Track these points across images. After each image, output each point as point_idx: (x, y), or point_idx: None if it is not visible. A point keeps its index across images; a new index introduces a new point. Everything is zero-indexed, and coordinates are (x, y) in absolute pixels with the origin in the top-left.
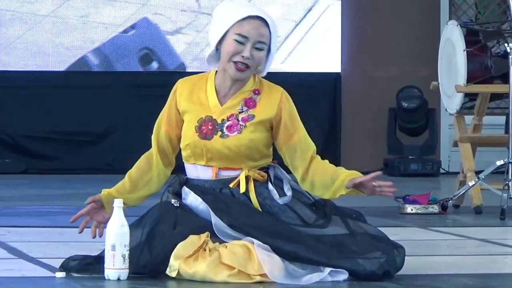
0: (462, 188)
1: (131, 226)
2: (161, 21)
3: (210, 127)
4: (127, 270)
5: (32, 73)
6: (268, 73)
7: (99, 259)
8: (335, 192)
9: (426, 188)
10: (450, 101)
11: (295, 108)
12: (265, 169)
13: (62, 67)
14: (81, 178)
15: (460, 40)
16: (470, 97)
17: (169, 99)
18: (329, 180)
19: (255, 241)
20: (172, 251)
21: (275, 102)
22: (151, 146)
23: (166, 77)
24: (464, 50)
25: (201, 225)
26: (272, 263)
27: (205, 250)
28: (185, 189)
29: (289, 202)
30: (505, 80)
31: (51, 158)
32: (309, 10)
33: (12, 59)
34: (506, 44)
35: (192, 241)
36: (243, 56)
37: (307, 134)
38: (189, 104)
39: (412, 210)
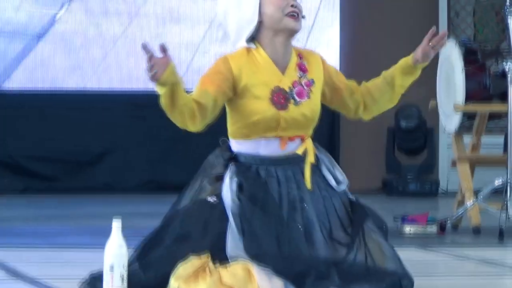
0: (461, 208)
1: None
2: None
3: (282, 97)
4: None
5: (31, 93)
6: None
7: (97, 279)
8: (406, 80)
9: (425, 208)
10: (449, 121)
11: None
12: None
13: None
14: (79, 198)
15: (459, 59)
16: (469, 116)
17: (218, 70)
18: (385, 86)
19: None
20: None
21: (319, 64)
22: (149, 166)
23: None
24: (462, 69)
25: (214, 243)
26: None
27: (205, 271)
28: (232, 173)
29: (332, 198)
30: (504, 99)
31: (49, 178)
32: (309, 31)
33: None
34: (504, 63)
35: (192, 263)
36: (292, 5)
37: None
38: (253, 78)
39: (410, 230)
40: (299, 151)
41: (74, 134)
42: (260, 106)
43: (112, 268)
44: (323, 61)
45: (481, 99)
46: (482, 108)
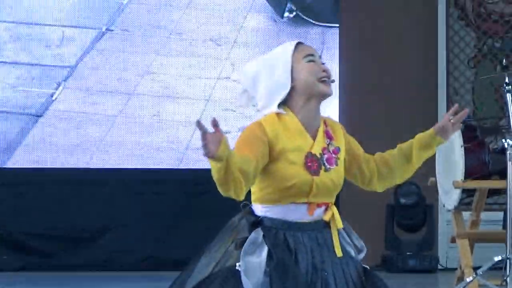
0: (460, 284)
1: None
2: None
3: (315, 162)
4: None
5: (29, 169)
6: None
7: None
8: (419, 157)
9: (424, 284)
10: (448, 197)
11: None
12: None
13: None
14: (78, 275)
15: (458, 136)
16: (468, 193)
17: (254, 135)
18: (401, 158)
19: None
20: None
21: (341, 132)
22: (147, 243)
23: (165, 173)
24: (461, 146)
25: None
26: None
27: None
28: (257, 236)
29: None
30: (503, 176)
31: (48, 255)
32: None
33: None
34: (503, 140)
35: None
36: (324, 71)
37: None
38: (288, 143)
39: None
40: (326, 217)
41: (73, 211)
42: (296, 171)
43: None
44: (343, 130)
45: (481, 176)
46: (482, 185)
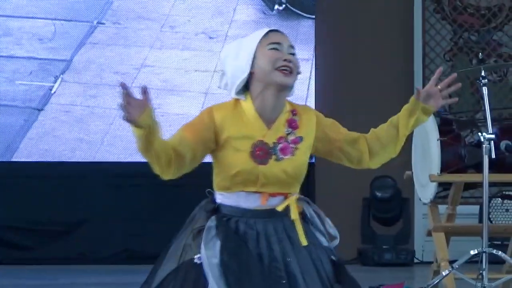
0: (436, 278)
1: None
2: None
3: (263, 151)
4: None
5: (5, 164)
6: None
7: None
8: (405, 126)
9: (400, 277)
10: (424, 191)
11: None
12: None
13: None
14: (55, 268)
15: (434, 130)
16: (444, 186)
17: (200, 120)
18: (390, 129)
19: None
20: None
21: (312, 120)
22: (124, 236)
23: (142, 166)
24: (438, 140)
25: None
26: None
27: None
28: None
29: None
30: (479, 169)
31: (25, 248)
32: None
33: None
34: (479, 134)
35: None
36: (285, 60)
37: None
38: (237, 130)
39: None
40: (279, 208)
41: (49, 205)
42: (239, 159)
43: None
44: (318, 117)
45: (457, 169)
46: (458, 178)
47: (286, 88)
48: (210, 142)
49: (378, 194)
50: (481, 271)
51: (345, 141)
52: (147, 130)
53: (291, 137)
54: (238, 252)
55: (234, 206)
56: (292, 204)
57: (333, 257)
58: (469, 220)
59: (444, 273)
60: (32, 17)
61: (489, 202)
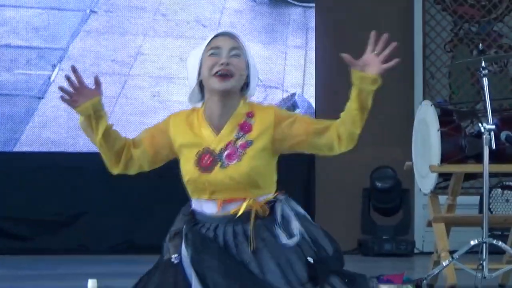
0: (436, 268)
1: None
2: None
3: (209, 159)
4: None
5: (3, 155)
6: None
7: None
8: (353, 99)
9: (400, 268)
10: (424, 181)
11: (289, 112)
12: (272, 202)
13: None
14: (54, 259)
15: (434, 120)
16: (444, 177)
17: (158, 127)
18: (347, 106)
19: None
20: None
21: (270, 120)
22: (123, 227)
23: None
24: (438, 130)
25: None
26: None
27: None
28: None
29: (290, 259)
30: (479, 160)
31: (24, 239)
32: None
33: None
34: (480, 124)
35: None
36: (222, 64)
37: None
38: (186, 138)
39: None
40: (232, 212)
41: (49, 195)
42: (187, 168)
43: None
44: (278, 116)
45: (457, 160)
46: (458, 169)
47: (228, 94)
48: (166, 149)
49: (378, 184)
50: (481, 262)
51: (313, 134)
52: (88, 120)
53: (240, 142)
54: (202, 260)
55: (199, 212)
56: (243, 209)
57: (309, 258)
58: (469, 211)
59: (444, 264)
60: (26, 7)
61: (489, 192)
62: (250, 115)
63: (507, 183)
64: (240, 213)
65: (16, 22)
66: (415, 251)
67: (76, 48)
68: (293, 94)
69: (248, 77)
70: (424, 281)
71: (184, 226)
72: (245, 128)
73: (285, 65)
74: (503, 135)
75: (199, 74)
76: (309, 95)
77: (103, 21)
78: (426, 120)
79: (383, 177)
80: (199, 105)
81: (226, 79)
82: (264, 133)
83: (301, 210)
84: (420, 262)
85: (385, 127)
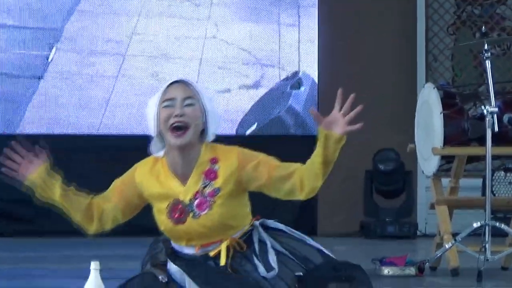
0: (439, 250)
1: None
2: None
3: (180, 210)
4: None
5: (8, 135)
6: (239, 137)
7: None
8: (318, 154)
9: (403, 250)
10: (427, 164)
11: (253, 152)
12: (249, 231)
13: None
14: (57, 240)
15: (437, 103)
16: (447, 159)
17: (125, 180)
18: (312, 158)
19: None
20: None
21: (234, 167)
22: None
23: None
24: (441, 113)
25: None
26: None
27: None
28: (169, 260)
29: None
30: (482, 143)
31: (26, 221)
32: (286, 78)
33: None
34: (482, 107)
35: None
36: (176, 115)
37: (280, 162)
38: (154, 190)
39: (389, 272)
40: (212, 254)
41: None
42: (160, 219)
43: None
44: (241, 159)
45: (460, 143)
46: (460, 151)
47: (187, 146)
48: (136, 198)
49: (381, 167)
50: (484, 244)
51: (276, 179)
52: (38, 189)
53: (208, 190)
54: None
55: (178, 251)
56: (223, 252)
57: (297, 274)
58: (472, 193)
59: (447, 246)
60: None
61: (492, 175)
62: (213, 161)
63: (509, 166)
64: (221, 255)
65: (9, 2)
66: (418, 233)
67: (71, 28)
68: (297, 72)
69: (205, 123)
70: (427, 263)
71: (168, 257)
72: (210, 175)
73: (280, 43)
74: (505, 117)
75: (158, 125)
76: (310, 72)
77: (95, 1)
78: (429, 103)
79: (385, 159)
80: (162, 153)
81: (181, 135)
82: (229, 178)
83: (280, 226)
84: (423, 245)
85: (388, 110)
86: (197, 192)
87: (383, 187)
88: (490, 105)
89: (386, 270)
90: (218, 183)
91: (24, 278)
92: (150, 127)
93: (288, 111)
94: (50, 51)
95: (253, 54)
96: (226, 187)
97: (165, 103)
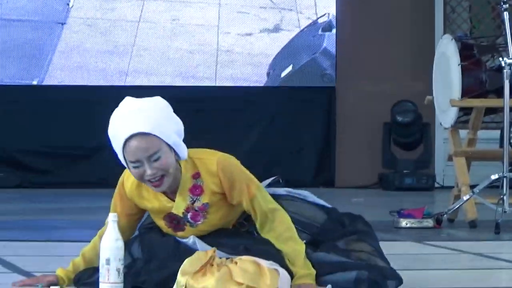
0: (457, 202)
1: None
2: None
3: (177, 220)
4: (122, 285)
5: (26, 87)
6: (264, 88)
7: (92, 274)
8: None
9: (421, 202)
10: (445, 116)
11: (237, 169)
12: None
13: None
14: (75, 192)
15: (455, 54)
16: (465, 111)
17: (116, 195)
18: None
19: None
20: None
21: (216, 179)
22: None
23: (157, 92)
24: (458, 65)
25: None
26: (284, 278)
27: (213, 265)
28: None
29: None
30: (500, 94)
31: (45, 172)
32: (302, 29)
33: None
34: (500, 58)
35: (199, 257)
36: (148, 175)
37: (261, 191)
38: (147, 206)
39: (406, 224)
40: None
41: (69, 129)
42: (161, 225)
43: (108, 261)
44: (219, 174)
45: (477, 94)
46: (478, 103)
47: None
48: (133, 209)
49: (399, 118)
50: (502, 196)
51: (245, 207)
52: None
53: (197, 205)
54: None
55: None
56: None
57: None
58: (490, 145)
59: (465, 198)
60: None
61: (510, 127)
62: (196, 176)
63: None
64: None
65: None
66: (436, 185)
67: None
68: (326, 15)
69: (174, 150)
70: (445, 215)
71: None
72: (196, 191)
73: None
74: None
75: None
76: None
77: None
78: (447, 54)
79: (403, 111)
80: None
81: (160, 184)
82: (214, 192)
83: (279, 191)
84: (441, 197)
85: (406, 61)
86: (187, 208)
87: (401, 139)
88: (508, 56)
89: (404, 222)
90: (205, 198)
91: (41, 230)
92: (121, 159)
93: (323, 53)
94: None
95: None
96: (213, 200)
97: (133, 165)
